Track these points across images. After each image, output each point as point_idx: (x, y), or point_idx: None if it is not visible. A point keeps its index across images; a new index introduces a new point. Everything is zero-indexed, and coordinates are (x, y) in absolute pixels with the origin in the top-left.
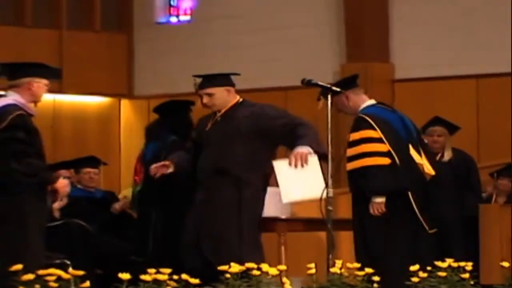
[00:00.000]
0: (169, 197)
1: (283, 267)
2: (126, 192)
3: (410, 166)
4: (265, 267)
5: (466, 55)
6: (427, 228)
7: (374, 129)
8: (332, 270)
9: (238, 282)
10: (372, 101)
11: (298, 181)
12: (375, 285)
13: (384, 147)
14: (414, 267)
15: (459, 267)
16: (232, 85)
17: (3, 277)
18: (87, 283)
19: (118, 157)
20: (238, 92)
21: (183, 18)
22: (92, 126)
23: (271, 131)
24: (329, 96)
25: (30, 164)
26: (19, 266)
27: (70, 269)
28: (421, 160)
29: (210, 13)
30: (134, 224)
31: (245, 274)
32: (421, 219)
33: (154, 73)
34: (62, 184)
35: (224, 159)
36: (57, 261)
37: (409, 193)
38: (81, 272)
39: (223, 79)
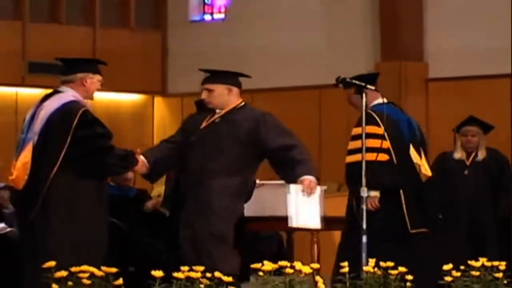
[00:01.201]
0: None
1: (316, 265)
2: (159, 190)
3: (407, 165)
4: (298, 265)
5: (500, 54)
6: (409, 227)
7: (378, 125)
8: (365, 268)
9: (271, 279)
10: (384, 100)
11: (304, 209)
12: (408, 284)
13: (385, 144)
14: (447, 266)
15: (492, 266)
16: (237, 85)
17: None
18: (120, 281)
19: None
20: (271, 90)
21: (217, 16)
22: (126, 123)
23: (266, 144)
24: (363, 95)
25: (119, 155)
26: (52, 263)
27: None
28: (419, 161)
29: (244, 11)
30: (166, 223)
31: (278, 272)
32: (407, 218)
33: (188, 71)
34: (141, 165)
35: (216, 161)
36: None
37: (401, 192)
38: (114, 270)
39: (227, 77)
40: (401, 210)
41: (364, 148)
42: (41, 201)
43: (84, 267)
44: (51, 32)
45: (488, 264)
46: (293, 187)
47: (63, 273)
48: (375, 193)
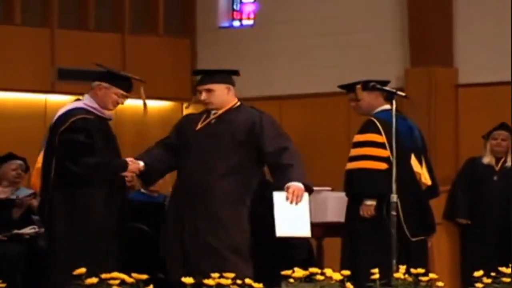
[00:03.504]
0: None
1: (347, 272)
2: None
3: (406, 174)
4: (329, 272)
5: None
6: (408, 235)
7: (380, 133)
8: (396, 275)
9: (301, 286)
10: (387, 107)
11: (291, 217)
12: None
13: (385, 152)
14: (478, 273)
15: None
16: (233, 84)
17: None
18: (150, 287)
19: None
20: (299, 97)
21: (246, 22)
22: (155, 130)
23: (262, 145)
24: (393, 101)
25: (86, 164)
26: (82, 270)
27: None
28: (420, 169)
29: (273, 17)
30: None
31: (309, 279)
32: (404, 226)
33: None
34: (132, 167)
35: (217, 163)
36: None
37: (398, 201)
38: (144, 276)
39: (225, 76)
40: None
41: (393, 155)
42: (47, 206)
43: (115, 274)
44: (79, 39)
45: None
46: (276, 194)
47: (93, 280)
48: (371, 202)
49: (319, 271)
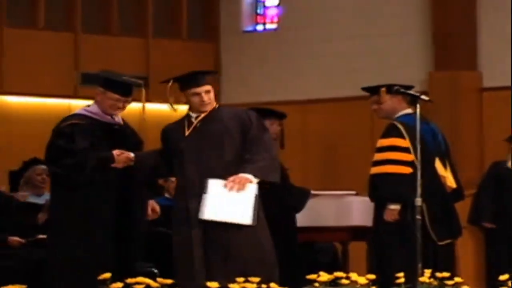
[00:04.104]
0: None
1: (372, 276)
2: None
3: (431, 177)
4: (354, 276)
5: None
6: (435, 239)
7: (403, 137)
8: (421, 279)
9: None
10: (409, 111)
11: (226, 204)
12: None
13: (409, 156)
14: (503, 276)
15: None
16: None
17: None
18: None
19: None
20: (324, 101)
21: (269, 26)
22: None
23: (247, 135)
24: (417, 105)
25: (66, 165)
26: (107, 275)
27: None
28: (445, 173)
29: (297, 21)
30: None
31: (334, 283)
32: (430, 230)
33: (241, 82)
34: (118, 154)
35: (219, 163)
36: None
37: (424, 205)
38: (169, 281)
39: (210, 77)
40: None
41: (418, 159)
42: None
43: (140, 279)
44: (103, 44)
45: None
46: (210, 181)
47: (119, 285)
48: (395, 206)
49: (344, 275)
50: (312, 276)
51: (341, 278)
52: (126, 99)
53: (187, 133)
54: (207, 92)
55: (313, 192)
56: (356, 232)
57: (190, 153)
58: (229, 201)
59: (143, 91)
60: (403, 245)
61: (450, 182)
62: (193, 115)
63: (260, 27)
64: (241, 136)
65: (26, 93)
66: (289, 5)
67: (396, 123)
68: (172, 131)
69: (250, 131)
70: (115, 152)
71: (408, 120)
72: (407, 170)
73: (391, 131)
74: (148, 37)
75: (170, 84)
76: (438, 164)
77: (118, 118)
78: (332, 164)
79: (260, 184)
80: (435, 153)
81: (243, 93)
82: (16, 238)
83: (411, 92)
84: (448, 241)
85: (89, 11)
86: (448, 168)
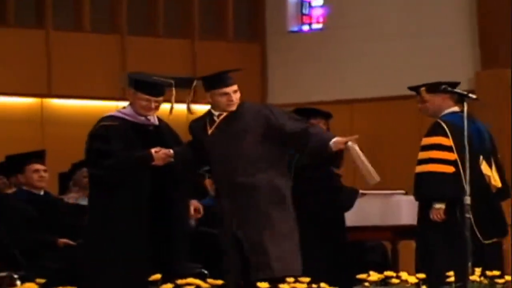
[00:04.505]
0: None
1: (422, 275)
2: None
3: (476, 176)
4: (404, 275)
5: None
6: (480, 238)
7: (447, 136)
8: (471, 278)
9: None
10: (455, 109)
11: (369, 165)
12: None
13: (452, 155)
14: None
15: None
16: None
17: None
18: None
19: None
20: (370, 101)
21: (315, 26)
22: None
23: (280, 129)
24: (465, 104)
25: (104, 166)
26: (157, 276)
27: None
28: (489, 172)
29: (343, 21)
30: None
31: (384, 282)
32: (475, 229)
33: (287, 82)
34: (156, 151)
35: (242, 161)
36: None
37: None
38: (219, 282)
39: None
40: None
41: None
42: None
43: (190, 280)
44: (149, 45)
45: None
46: (352, 146)
47: (169, 286)
48: (440, 205)
49: (394, 274)
50: (362, 276)
51: (391, 277)
52: (157, 99)
53: (209, 131)
54: (235, 91)
55: (361, 191)
56: (405, 231)
57: (214, 153)
58: (366, 163)
59: (173, 91)
60: (448, 244)
61: (495, 181)
62: (216, 113)
63: (306, 27)
64: (265, 131)
65: (74, 95)
66: (334, 5)
67: (440, 121)
68: (196, 128)
69: (277, 124)
70: (154, 149)
71: (453, 119)
72: (450, 169)
73: (435, 130)
74: (194, 38)
75: (194, 83)
76: (483, 163)
77: (153, 119)
78: (380, 163)
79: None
80: (480, 152)
81: (289, 93)
82: (65, 240)
83: (458, 90)
84: (494, 240)
85: (135, 13)
86: (494, 167)
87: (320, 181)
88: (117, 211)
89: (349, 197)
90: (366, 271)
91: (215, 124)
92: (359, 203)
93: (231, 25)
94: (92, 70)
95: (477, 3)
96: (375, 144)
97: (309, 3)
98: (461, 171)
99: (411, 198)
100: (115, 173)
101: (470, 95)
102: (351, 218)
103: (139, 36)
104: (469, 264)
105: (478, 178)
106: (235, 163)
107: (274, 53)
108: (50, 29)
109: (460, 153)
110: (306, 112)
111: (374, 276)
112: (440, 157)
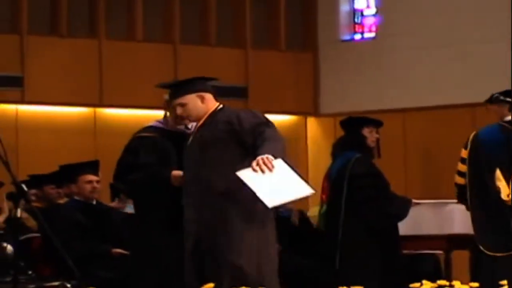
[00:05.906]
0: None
1: (475, 284)
2: (315, 210)
3: (482, 188)
4: (457, 284)
5: None
6: (484, 250)
7: (465, 148)
8: None
9: None
10: (509, 118)
11: (274, 185)
12: None
13: (463, 167)
14: None
15: None
16: (206, 90)
17: None
18: None
19: (306, 175)
20: (423, 109)
21: (367, 35)
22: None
23: (240, 134)
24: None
25: (129, 180)
26: (210, 285)
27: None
28: (502, 184)
29: (395, 30)
30: (323, 241)
31: None
32: (477, 242)
33: (340, 91)
34: (175, 176)
35: (206, 169)
36: None
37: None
38: None
39: (193, 85)
40: None
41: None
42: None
43: None
44: (202, 54)
45: None
46: (240, 173)
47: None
48: None
49: (447, 283)
50: (415, 285)
51: (445, 286)
52: (174, 101)
53: (189, 140)
54: (181, 105)
55: (414, 200)
56: (459, 241)
57: (189, 162)
58: (274, 182)
59: (165, 97)
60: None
61: (504, 194)
62: (194, 123)
63: (358, 36)
64: (230, 138)
65: (126, 105)
66: (386, 14)
67: (475, 132)
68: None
69: (242, 129)
70: (174, 172)
71: (486, 130)
72: (461, 181)
73: (466, 141)
74: (247, 48)
75: (167, 96)
76: (498, 175)
77: (193, 126)
78: (433, 172)
79: None
80: (498, 164)
81: (341, 102)
82: (119, 250)
83: (508, 99)
84: (498, 254)
85: (188, 22)
86: None
87: (375, 190)
88: (156, 223)
89: (402, 207)
90: (418, 280)
91: (193, 134)
92: (412, 212)
93: (283, 34)
94: (144, 80)
95: None
96: (428, 153)
97: (361, 12)
98: (468, 183)
99: (464, 207)
100: (137, 188)
101: None
102: (404, 227)
103: (192, 45)
104: None
105: (485, 191)
106: (205, 172)
107: (326, 62)
108: (102, 39)
109: (471, 166)
110: (357, 120)
111: (427, 285)
112: (459, 169)
